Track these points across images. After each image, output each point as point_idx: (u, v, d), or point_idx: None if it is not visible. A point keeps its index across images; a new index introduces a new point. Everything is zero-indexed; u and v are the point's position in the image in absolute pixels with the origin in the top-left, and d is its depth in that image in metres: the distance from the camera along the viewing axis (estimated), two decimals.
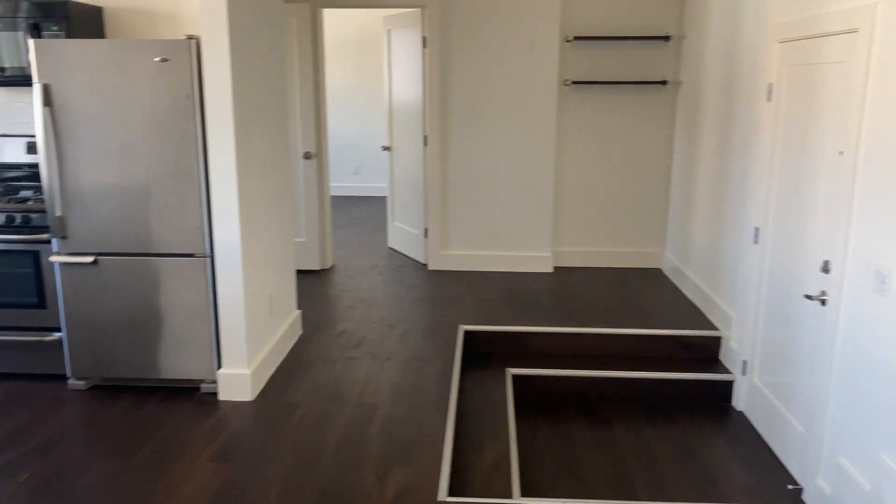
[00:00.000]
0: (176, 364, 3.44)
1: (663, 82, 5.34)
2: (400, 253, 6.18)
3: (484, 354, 4.27)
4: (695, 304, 4.76)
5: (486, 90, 5.35)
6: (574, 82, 5.38)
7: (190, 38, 3.15)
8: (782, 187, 3.44)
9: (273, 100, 3.72)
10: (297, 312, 4.20)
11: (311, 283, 5.29)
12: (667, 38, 5.29)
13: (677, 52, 5.36)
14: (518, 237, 5.58)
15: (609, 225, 5.68)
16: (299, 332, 4.24)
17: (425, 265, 5.78)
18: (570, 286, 5.20)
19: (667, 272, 5.54)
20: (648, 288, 5.16)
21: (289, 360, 3.86)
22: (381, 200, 8.92)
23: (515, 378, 4.03)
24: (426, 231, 5.72)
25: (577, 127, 5.53)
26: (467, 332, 4.31)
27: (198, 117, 3.20)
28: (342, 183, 9.33)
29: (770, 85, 3.59)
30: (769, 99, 3.60)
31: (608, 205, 5.64)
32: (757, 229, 3.71)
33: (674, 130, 5.48)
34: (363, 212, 8.19)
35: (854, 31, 2.78)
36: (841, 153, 2.88)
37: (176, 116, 3.20)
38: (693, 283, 4.85)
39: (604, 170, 5.59)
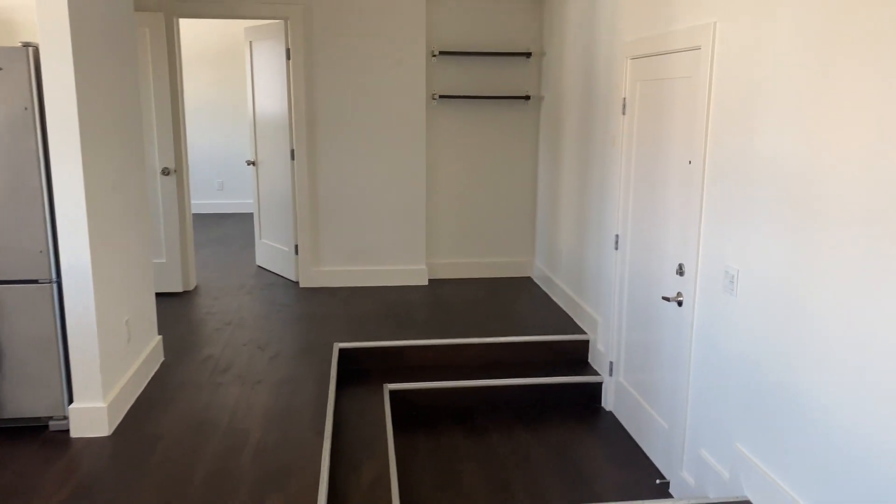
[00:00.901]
0: (20, 401, 3.13)
1: (526, 97, 5.51)
2: (269, 271, 5.98)
3: (360, 372, 4.19)
4: (564, 309, 4.92)
5: (354, 103, 5.31)
6: (441, 96, 5.44)
7: (26, 45, 2.89)
8: (638, 196, 3.62)
9: (125, 112, 3.48)
10: (158, 338, 3.94)
11: (173, 306, 5.00)
12: (528, 54, 5.47)
13: (538, 67, 5.56)
14: (392, 251, 5.55)
15: (480, 236, 5.78)
16: (161, 358, 3.98)
17: (296, 283, 5.62)
18: (445, 298, 5.23)
19: (537, 280, 5.70)
20: (520, 296, 5.29)
21: (150, 389, 3.61)
22: (248, 217, 8.62)
23: (393, 393, 3.98)
24: (296, 247, 5.57)
25: (446, 140, 5.59)
26: (342, 350, 4.22)
27: (38, 131, 2.94)
28: (206, 200, 8.94)
29: (624, 99, 3.78)
30: (623, 112, 3.79)
31: (479, 216, 5.74)
32: (617, 236, 3.89)
33: (538, 143, 5.66)
34: (229, 229, 7.87)
35: (696, 48, 2.98)
36: (690, 163, 3.07)
37: (13, 130, 2.92)
38: (561, 289, 5.01)
39: (473, 182, 5.68)
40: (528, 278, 5.82)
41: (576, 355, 4.41)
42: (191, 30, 8.57)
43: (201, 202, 8.91)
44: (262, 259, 6.11)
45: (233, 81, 8.72)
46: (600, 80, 4.22)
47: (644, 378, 3.62)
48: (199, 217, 8.64)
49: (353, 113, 5.31)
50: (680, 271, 3.16)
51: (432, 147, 5.59)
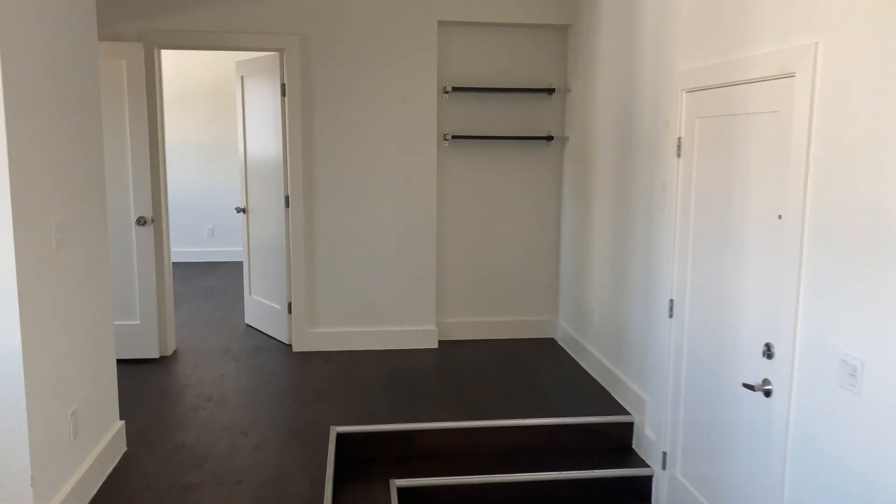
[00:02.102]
0: None
1: (549, 137, 4.93)
2: (259, 331, 5.32)
3: (362, 462, 3.51)
4: (598, 381, 4.25)
5: (357, 145, 4.72)
6: (454, 136, 4.86)
7: None
8: (701, 255, 3.00)
9: (81, 156, 2.87)
10: (119, 424, 3.27)
11: (145, 376, 4.33)
12: (551, 90, 4.91)
13: (562, 105, 4.99)
14: (397, 310, 4.91)
15: (497, 292, 5.14)
16: (123, 448, 3.30)
17: (289, 346, 4.95)
18: (459, 364, 4.56)
19: (562, 342, 5.04)
20: (544, 363, 4.62)
21: (104, 494, 2.93)
22: (240, 266, 7.97)
23: (402, 491, 3.29)
24: (289, 306, 4.92)
25: (459, 185, 4.99)
26: (340, 436, 3.54)
27: None
28: (195, 248, 8.31)
29: (679, 139, 3.18)
30: (679, 154, 3.19)
31: (495, 269, 5.11)
32: (672, 301, 3.25)
33: (561, 189, 5.06)
34: (218, 280, 7.22)
35: (789, 75, 2.39)
36: (780, 217, 2.45)
37: None
38: (594, 357, 4.35)
39: (489, 231, 5.06)
40: (551, 340, 5.16)
41: (617, 441, 3.73)
42: (183, 63, 8.05)
43: (190, 250, 8.29)
44: (251, 317, 5.45)
45: (226, 120, 8.18)
46: (643, 117, 3.63)
47: (711, 477, 2.94)
48: (187, 266, 8.00)
49: (354, 155, 4.72)
50: (767, 353, 2.52)
51: (443, 193, 4.99)
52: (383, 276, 4.86)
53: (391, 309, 4.89)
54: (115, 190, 4.43)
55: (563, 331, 4.99)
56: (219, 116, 8.15)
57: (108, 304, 3.16)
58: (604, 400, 3.96)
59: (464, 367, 4.53)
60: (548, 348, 4.95)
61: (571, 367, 4.53)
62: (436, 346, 4.95)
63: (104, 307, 3.10)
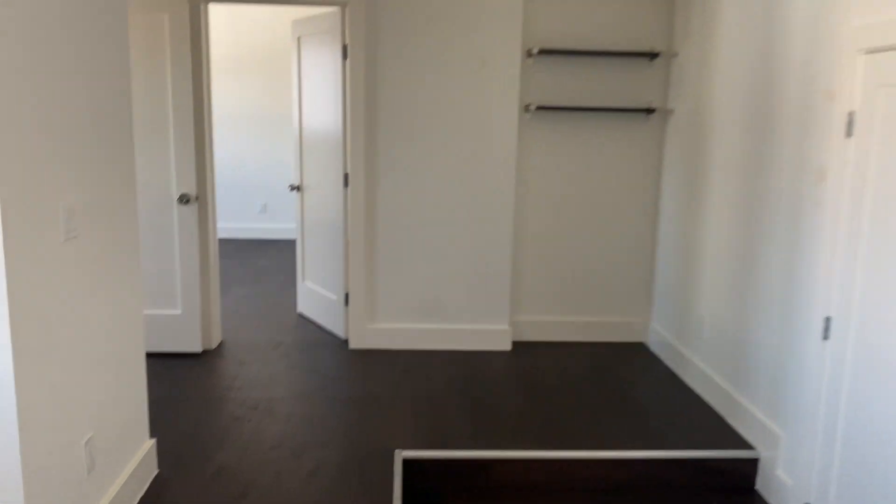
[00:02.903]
0: None
1: (649, 110, 4.23)
2: (312, 322, 4.81)
3: (433, 495, 2.95)
4: (708, 403, 3.59)
5: (426, 117, 4.11)
6: (539, 108, 4.20)
7: None
8: (880, 262, 2.31)
9: (104, 128, 2.34)
10: (148, 444, 2.77)
11: (184, 375, 3.85)
12: (653, 55, 4.19)
13: (665, 72, 4.27)
14: (467, 306, 4.31)
15: (579, 289, 4.49)
16: (154, 472, 2.81)
17: (345, 342, 4.42)
18: (538, 373, 3.96)
19: (654, 348, 4.38)
20: (635, 374, 3.98)
21: None
22: (293, 245, 7.50)
23: None
24: (346, 297, 4.38)
25: (540, 165, 4.35)
26: (407, 462, 2.99)
27: None
28: (246, 224, 7.87)
29: (851, 114, 2.48)
30: (849, 134, 2.48)
31: (579, 263, 4.46)
32: (828, 319, 2.57)
33: (661, 172, 4.37)
34: (271, 260, 6.75)
35: None
36: None
37: None
38: (702, 373, 3.69)
39: (573, 219, 4.41)
40: (641, 346, 4.50)
41: (736, 479, 3.08)
42: (232, 23, 7.53)
43: (240, 226, 7.85)
44: (304, 306, 4.94)
45: (280, 88, 7.66)
46: (788, 88, 2.92)
47: None
48: (236, 244, 7.57)
49: (423, 129, 4.11)
50: None
51: (523, 173, 4.35)
52: (452, 267, 4.26)
53: (460, 305, 4.31)
54: (154, 164, 3.92)
55: (658, 336, 4.33)
56: (273, 84, 7.63)
57: (138, 302, 2.64)
58: (718, 428, 3.31)
59: (545, 376, 3.92)
60: (639, 355, 4.30)
61: (671, 382, 3.87)
62: (509, 347, 4.35)
63: (132, 306, 2.59)
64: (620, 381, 3.87)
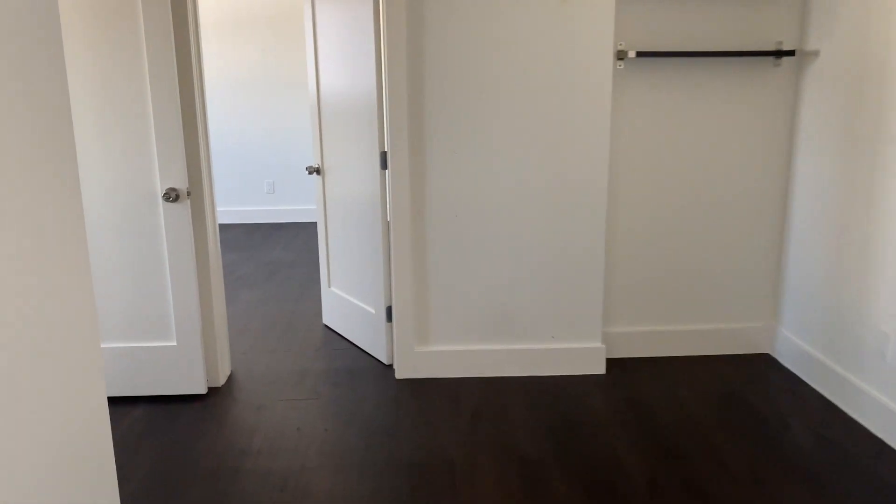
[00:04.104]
0: None
1: (782, 53, 3.18)
2: (343, 338, 3.84)
3: None
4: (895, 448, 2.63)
5: (488, 75, 3.07)
6: (639, 53, 3.16)
7: None
8: None
9: (14, 97, 1.33)
10: None
11: (181, 431, 2.90)
12: None
13: (799, 2, 3.21)
14: (546, 319, 3.33)
15: (685, 288, 3.50)
16: None
17: (389, 368, 3.46)
18: (652, 409, 2.99)
19: (786, 362, 3.40)
20: (782, 406, 3.01)
21: None
22: (308, 228, 6.51)
23: None
24: (389, 311, 3.41)
25: (638, 132, 3.32)
26: None
27: None
28: (252, 207, 6.87)
29: None
30: None
31: (684, 257, 3.46)
32: None
33: (795, 135, 3.33)
34: (284, 250, 5.77)
35: None
36: None
37: None
38: (882, 407, 2.71)
39: (678, 200, 3.40)
40: (767, 357, 3.52)
41: None
42: None
43: (246, 209, 6.85)
44: (332, 317, 3.96)
45: (288, 49, 6.58)
46: None
47: None
48: (243, 230, 6.58)
49: (484, 91, 3.08)
50: None
51: (616, 143, 3.32)
52: (525, 269, 3.27)
53: (536, 318, 3.32)
54: (129, 155, 2.92)
55: (791, 346, 3.35)
56: (279, 42, 6.54)
57: (93, 344, 1.66)
58: None
59: (661, 413, 2.95)
60: (771, 374, 3.32)
61: (833, 418, 2.90)
62: (603, 370, 3.38)
63: (82, 353, 1.61)
64: (764, 418, 2.90)
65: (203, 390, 3.17)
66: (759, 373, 3.34)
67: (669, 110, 3.29)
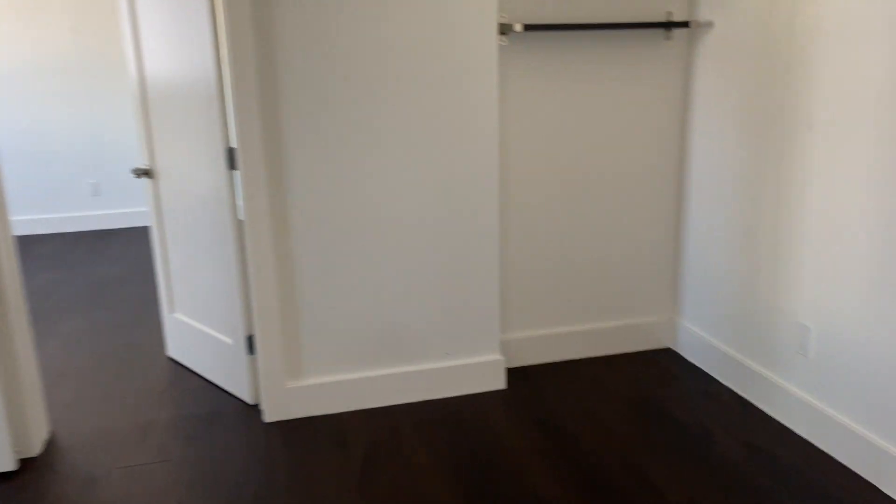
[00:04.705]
0: None
1: (673, 24, 2.92)
2: (194, 374, 3.20)
3: None
4: (828, 453, 2.44)
5: (356, 55, 2.55)
6: (527, 27, 2.76)
7: None
8: None
9: None
10: None
11: None
12: None
13: None
14: (439, 335, 2.89)
15: (581, 286, 3.20)
16: None
17: (255, 408, 2.88)
18: (561, 429, 2.65)
19: (690, 356, 3.20)
20: (700, 410, 2.77)
21: None
22: (141, 234, 5.66)
23: None
24: (250, 340, 2.83)
25: (526, 117, 2.94)
26: None
27: None
28: (72, 213, 5.88)
29: None
30: None
31: (579, 252, 3.15)
32: None
33: (689, 114, 3.09)
34: (114, 263, 4.92)
35: None
36: None
37: None
38: (805, 405, 2.52)
39: (571, 191, 3.07)
40: (670, 352, 3.31)
41: None
42: None
43: (66, 216, 5.85)
44: (177, 348, 3.30)
45: (104, 27, 5.63)
46: None
47: None
48: (63, 240, 5.61)
49: (355, 74, 2.56)
50: None
51: (505, 131, 2.93)
52: (412, 280, 2.81)
53: (429, 334, 2.88)
54: None
55: (694, 339, 3.14)
56: (94, 21, 5.58)
57: None
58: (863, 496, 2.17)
59: (577, 433, 2.62)
60: (680, 373, 3.10)
61: (754, 420, 2.69)
62: (503, 384, 3.00)
63: None
64: (684, 427, 2.64)
65: (12, 466, 2.45)
66: (667, 371, 3.10)
67: (558, 93, 2.94)
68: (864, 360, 2.28)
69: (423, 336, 2.86)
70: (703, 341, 3.10)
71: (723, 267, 2.94)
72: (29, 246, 5.40)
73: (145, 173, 3.13)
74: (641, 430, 2.63)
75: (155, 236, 3.21)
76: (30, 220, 5.75)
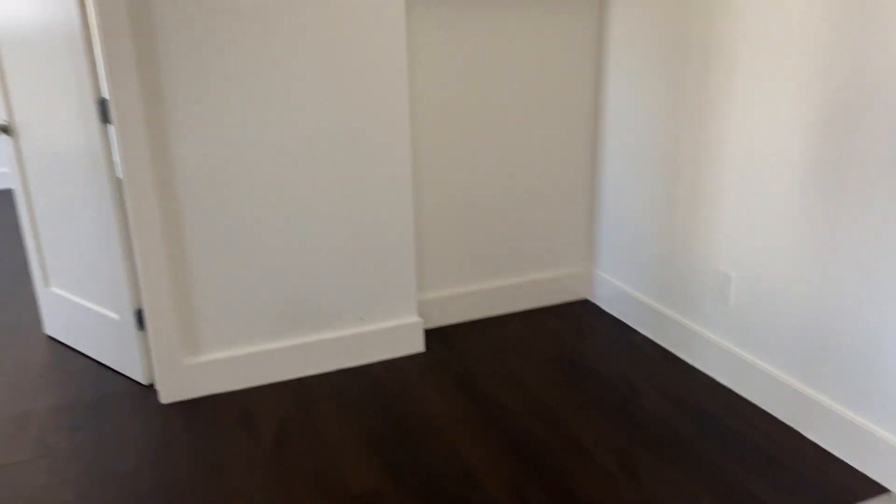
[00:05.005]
0: None
1: None
2: (78, 353, 2.88)
3: None
4: (752, 402, 2.44)
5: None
6: None
7: None
8: None
9: None
10: None
11: None
12: None
13: None
14: (353, 299, 2.70)
15: (498, 240, 3.07)
16: None
17: (150, 389, 2.61)
18: (487, 393, 2.54)
19: (608, 306, 3.15)
20: (622, 362, 2.72)
21: None
22: (5, 197, 5.10)
23: None
24: (140, 314, 2.54)
25: (434, 70, 2.73)
26: None
27: None
28: None
29: None
30: None
31: (494, 205, 3.01)
32: None
33: (605, 51, 2.96)
34: None
35: None
36: None
37: None
38: (727, 353, 2.51)
39: (481, 141, 2.91)
40: (587, 303, 3.25)
41: None
42: None
43: None
44: (56, 325, 2.96)
45: None
46: None
47: None
48: None
49: (247, 18, 2.26)
50: None
51: (414, 86, 2.71)
52: (321, 242, 2.58)
53: (341, 299, 2.67)
54: None
55: (611, 289, 3.09)
56: None
57: None
58: (803, 452, 2.17)
59: (500, 395, 2.51)
60: (598, 325, 3.04)
61: (676, 371, 2.67)
62: (422, 347, 2.85)
63: None
64: (607, 381, 2.58)
65: None
66: (586, 324, 3.04)
67: (468, 38, 2.73)
68: (784, 307, 2.26)
69: (334, 301, 2.66)
70: (620, 292, 3.05)
71: (640, 215, 2.87)
72: None
73: (2, 129, 2.72)
74: (566, 388, 2.55)
75: (20, 200, 2.82)
76: None
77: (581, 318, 3.10)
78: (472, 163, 2.89)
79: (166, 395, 2.52)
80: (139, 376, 2.63)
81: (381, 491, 2.04)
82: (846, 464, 2.09)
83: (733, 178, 2.38)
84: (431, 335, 2.96)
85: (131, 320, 2.55)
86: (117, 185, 2.39)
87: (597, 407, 2.43)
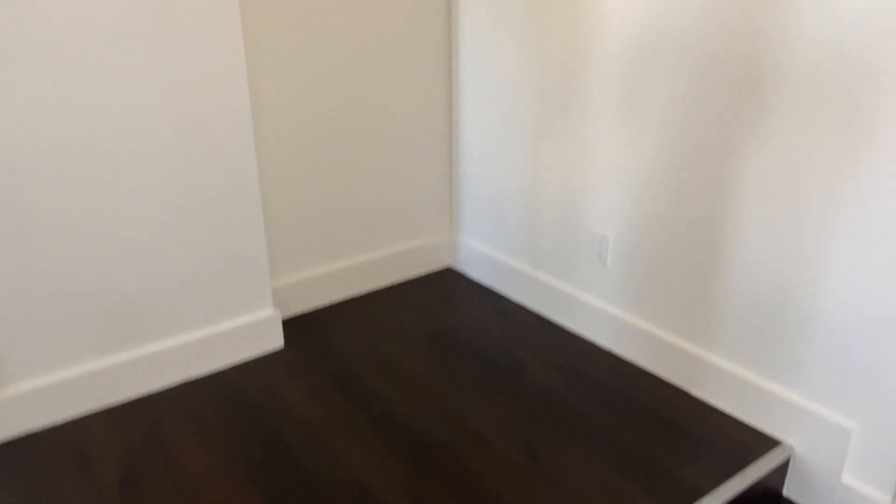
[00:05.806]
0: None
1: None
2: None
3: None
4: (645, 368, 2.40)
5: None
6: None
7: None
8: None
9: None
10: None
11: None
12: None
13: None
14: (196, 298, 2.29)
15: (355, 213, 2.78)
16: None
17: None
18: (363, 392, 2.29)
19: (474, 273, 2.99)
20: (508, 334, 2.58)
21: None
22: None
23: None
24: None
25: (277, 39, 2.34)
26: None
27: None
28: None
29: None
30: None
31: (349, 175, 2.71)
32: None
33: (457, 5, 2.72)
34: None
35: None
36: None
37: None
38: (612, 318, 2.45)
39: (330, 107, 2.58)
40: (452, 272, 3.08)
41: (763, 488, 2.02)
42: None
43: None
44: None
45: None
46: None
47: None
48: None
49: None
50: None
51: (253, 50, 2.30)
52: (148, 235, 2.15)
53: (181, 299, 2.27)
54: None
55: (475, 254, 2.94)
56: None
57: None
58: (699, 413, 2.16)
59: (381, 387, 2.27)
60: (469, 295, 2.88)
61: (556, 338, 2.57)
62: (281, 342, 2.53)
63: None
64: (490, 358, 2.43)
65: None
66: (454, 294, 2.87)
67: (307, 8, 2.37)
68: (660, 264, 2.21)
69: (171, 301, 2.25)
70: (488, 257, 2.90)
71: (505, 176, 2.71)
72: None
73: None
74: (448, 370, 2.37)
75: None
76: None
77: (449, 287, 2.92)
78: (320, 131, 2.56)
79: None
80: None
81: None
82: (737, 420, 2.10)
83: (604, 136, 2.27)
84: (290, 326, 2.64)
85: None
86: None
87: (485, 388, 2.27)
